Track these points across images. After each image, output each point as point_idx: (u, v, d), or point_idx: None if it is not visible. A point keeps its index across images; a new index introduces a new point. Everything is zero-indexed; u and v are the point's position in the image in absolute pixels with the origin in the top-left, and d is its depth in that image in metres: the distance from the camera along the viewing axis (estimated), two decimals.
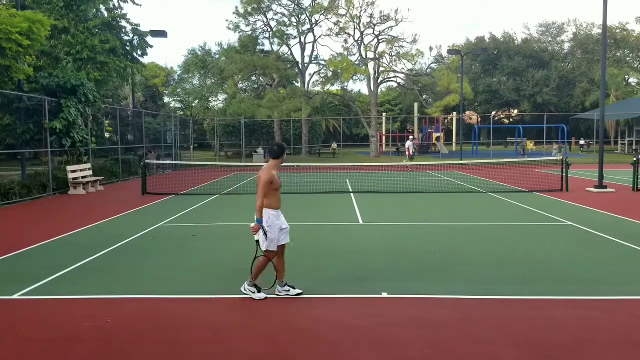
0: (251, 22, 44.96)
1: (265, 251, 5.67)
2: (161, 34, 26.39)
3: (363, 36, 42.37)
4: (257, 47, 46.20)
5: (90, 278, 6.71)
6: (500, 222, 10.89)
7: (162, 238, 9.33)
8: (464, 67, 46.21)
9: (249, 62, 41.56)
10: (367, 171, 24.41)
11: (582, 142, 47.50)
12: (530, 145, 46.75)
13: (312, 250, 8.22)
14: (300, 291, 5.87)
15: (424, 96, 56.78)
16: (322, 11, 41.94)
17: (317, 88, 46.25)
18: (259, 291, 5.73)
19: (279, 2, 43.61)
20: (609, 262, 7.35)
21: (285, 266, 5.89)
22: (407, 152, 30.17)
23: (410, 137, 34.26)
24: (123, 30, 22.28)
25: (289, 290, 5.85)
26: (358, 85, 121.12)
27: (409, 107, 60.21)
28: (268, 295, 5.91)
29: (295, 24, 44.39)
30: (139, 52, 23.81)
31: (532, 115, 58.72)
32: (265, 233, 5.62)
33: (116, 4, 22.26)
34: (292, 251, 8.14)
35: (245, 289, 5.78)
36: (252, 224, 5.65)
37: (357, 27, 41.92)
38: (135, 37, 23.41)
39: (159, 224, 10.65)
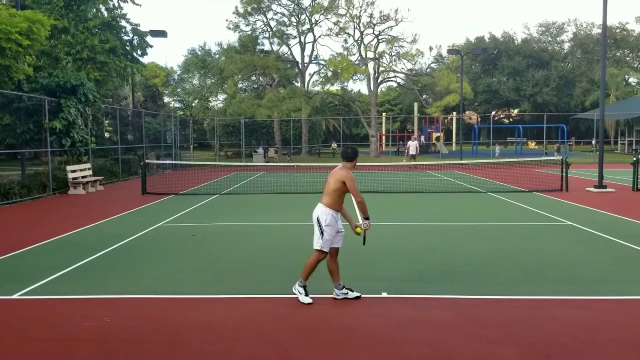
0: (251, 22, 44.99)
1: (317, 250, 5.61)
2: (161, 34, 26.40)
3: (363, 36, 42.40)
4: (257, 47, 46.19)
5: (90, 278, 6.71)
6: (501, 222, 10.88)
7: (162, 238, 9.33)
8: (464, 67, 46.18)
9: (249, 62, 41.55)
10: (367, 171, 24.41)
11: (593, 141, 46.18)
12: (532, 145, 46.71)
13: (312, 250, 8.20)
14: (359, 294, 5.74)
15: (424, 96, 56.78)
16: (322, 11, 41.91)
17: (317, 88, 46.27)
18: (306, 295, 5.57)
19: (279, 2, 43.62)
20: (609, 262, 7.34)
21: (339, 269, 5.73)
22: (407, 151, 30.17)
23: (413, 136, 34.22)
24: (123, 30, 22.27)
25: (347, 293, 5.72)
26: (358, 85, 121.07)
27: (409, 107, 60.20)
28: (273, 296, 5.91)
29: (295, 24, 44.40)
30: (139, 52, 23.81)
31: (532, 115, 58.73)
32: (322, 232, 5.56)
33: (116, 4, 22.25)
34: (293, 251, 8.16)
35: (295, 289, 5.64)
36: (363, 223, 5.68)
37: (357, 27, 41.94)
38: (135, 37, 23.40)
39: (159, 224, 10.65)
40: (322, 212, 5.62)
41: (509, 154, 40.07)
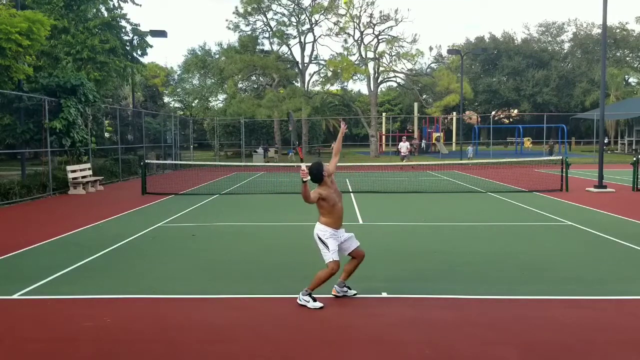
0: (251, 22, 44.99)
1: (329, 262, 5.43)
2: (161, 34, 26.42)
3: (363, 36, 42.37)
4: (257, 47, 46.18)
5: (90, 278, 6.71)
6: (501, 222, 10.88)
7: (162, 238, 9.33)
8: (464, 67, 46.19)
9: (249, 62, 41.54)
10: (367, 171, 24.40)
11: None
12: (527, 143, 46.98)
13: (312, 250, 8.19)
14: (355, 292, 5.80)
15: (424, 96, 56.75)
16: (322, 11, 41.91)
17: (317, 88, 46.26)
18: (314, 300, 5.48)
19: (279, 2, 43.60)
20: (609, 262, 7.34)
21: (355, 271, 5.73)
22: (400, 153, 30.30)
23: (404, 138, 34.17)
24: (123, 30, 22.28)
25: (347, 291, 5.76)
26: (358, 85, 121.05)
27: (409, 107, 60.20)
28: (273, 296, 5.91)
29: (295, 24, 44.40)
30: (139, 52, 23.84)
31: (532, 115, 58.72)
32: (326, 245, 5.46)
33: (116, 4, 22.27)
34: (293, 251, 8.16)
35: (301, 299, 5.51)
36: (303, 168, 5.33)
37: (357, 27, 41.91)
38: (135, 37, 23.42)
39: (159, 224, 10.65)
40: (319, 229, 5.54)
41: (509, 154, 40.08)
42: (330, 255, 5.46)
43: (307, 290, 5.53)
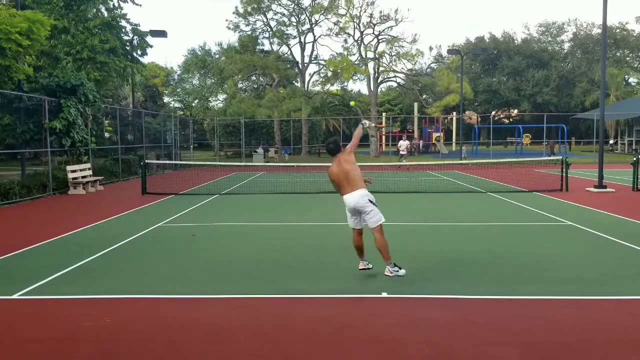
0: (251, 22, 45.00)
1: (379, 226, 6.24)
2: (161, 34, 26.42)
3: (363, 36, 42.35)
4: (257, 47, 46.20)
5: (90, 278, 6.71)
6: (501, 222, 10.88)
7: (162, 238, 9.33)
8: (464, 67, 46.18)
9: (249, 62, 41.54)
10: (367, 171, 24.34)
11: (611, 141, 45.71)
12: (527, 140, 47.15)
13: (312, 250, 8.22)
14: (370, 266, 6.53)
15: (424, 96, 56.72)
16: (322, 11, 41.91)
17: (317, 88, 46.25)
18: (400, 268, 6.29)
19: (279, 2, 43.61)
20: (609, 262, 7.34)
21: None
22: (399, 152, 30.33)
23: (404, 137, 34.14)
24: (123, 30, 22.27)
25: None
26: (358, 85, 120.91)
27: (409, 107, 60.17)
28: (273, 296, 5.92)
29: (295, 24, 44.41)
30: (139, 52, 23.84)
31: (532, 115, 58.70)
32: (377, 207, 6.25)
33: (116, 4, 22.26)
34: (292, 251, 8.16)
35: (390, 272, 6.29)
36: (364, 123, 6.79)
37: (357, 27, 41.89)
38: (135, 37, 23.42)
39: (159, 224, 10.64)
40: (368, 194, 6.25)
41: (509, 154, 40.07)
42: (382, 215, 6.28)
43: (391, 262, 6.30)
